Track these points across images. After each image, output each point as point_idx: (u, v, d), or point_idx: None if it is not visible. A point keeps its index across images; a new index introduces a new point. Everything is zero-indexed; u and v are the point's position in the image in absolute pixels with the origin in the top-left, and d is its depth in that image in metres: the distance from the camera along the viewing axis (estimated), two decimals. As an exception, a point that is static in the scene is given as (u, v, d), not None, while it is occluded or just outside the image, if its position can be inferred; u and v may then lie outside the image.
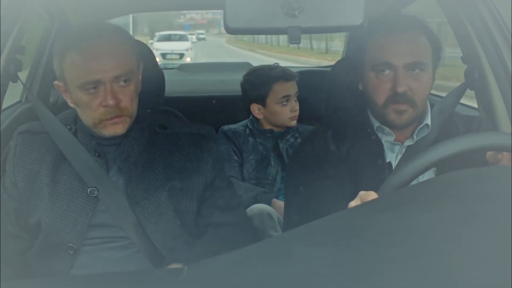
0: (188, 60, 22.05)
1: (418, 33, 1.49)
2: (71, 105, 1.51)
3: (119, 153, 1.52)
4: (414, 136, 1.54)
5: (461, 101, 1.77)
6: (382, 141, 1.55)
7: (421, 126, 1.54)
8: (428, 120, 1.54)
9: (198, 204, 1.56)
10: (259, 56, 24.94)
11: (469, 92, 1.79)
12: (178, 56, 23.96)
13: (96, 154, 1.51)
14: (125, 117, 1.47)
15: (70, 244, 1.46)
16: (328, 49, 25.21)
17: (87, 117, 1.48)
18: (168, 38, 27.05)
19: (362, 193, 1.00)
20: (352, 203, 1.03)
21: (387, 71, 1.48)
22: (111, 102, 1.42)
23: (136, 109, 1.52)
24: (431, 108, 1.59)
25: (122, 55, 1.46)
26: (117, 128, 1.48)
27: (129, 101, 1.47)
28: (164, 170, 1.54)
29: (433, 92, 1.76)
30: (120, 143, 1.53)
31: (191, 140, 1.60)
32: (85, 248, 1.47)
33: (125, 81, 1.46)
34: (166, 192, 1.52)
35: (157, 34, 29.19)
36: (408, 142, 1.55)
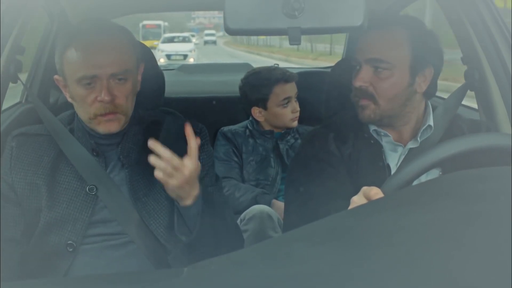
0: (191, 60, 23.45)
1: (389, 31, 1.50)
2: (69, 99, 1.53)
3: (121, 149, 1.54)
4: (418, 138, 1.54)
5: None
6: (383, 142, 1.56)
7: (424, 127, 1.54)
8: (430, 121, 1.55)
9: None
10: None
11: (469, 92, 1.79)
12: (182, 57, 25.49)
13: (94, 153, 1.52)
14: (119, 115, 1.48)
15: (70, 242, 1.46)
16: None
17: (83, 112, 1.49)
18: (171, 40, 28.94)
19: (365, 188, 1.01)
20: (355, 198, 1.03)
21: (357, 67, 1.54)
22: (106, 97, 1.43)
23: (131, 108, 1.52)
24: (433, 110, 1.59)
25: (121, 53, 1.47)
26: (111, 126, 1.49)
27: (124, 99, 1.47)
28: None
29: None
30: (119, 142, 1.54)
31: (184, 136, 1.61)
32: (85, 246, 1.47)
33: (122, 79, 1.47)
34: (163, 188, 1.52)
35: (162, 36, 31.39)
36: (411, 144, 1.55)
